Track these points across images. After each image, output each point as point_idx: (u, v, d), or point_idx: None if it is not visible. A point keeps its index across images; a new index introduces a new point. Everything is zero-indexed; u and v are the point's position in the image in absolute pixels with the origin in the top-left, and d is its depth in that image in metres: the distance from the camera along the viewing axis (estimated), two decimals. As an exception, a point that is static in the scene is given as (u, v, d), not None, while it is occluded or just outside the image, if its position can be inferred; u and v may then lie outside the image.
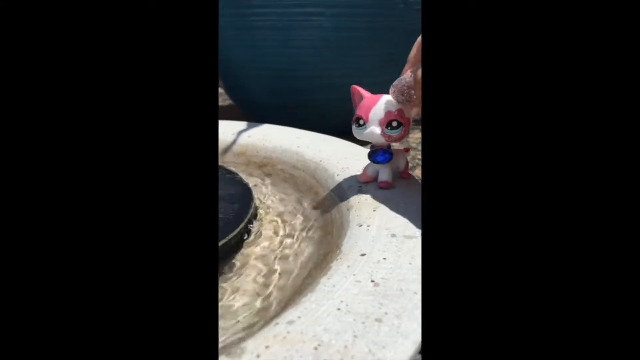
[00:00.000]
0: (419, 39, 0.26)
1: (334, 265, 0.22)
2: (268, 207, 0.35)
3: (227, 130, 0.48)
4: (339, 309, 0.18)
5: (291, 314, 0.18)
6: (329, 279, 0.20)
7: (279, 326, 0.17)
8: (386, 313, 0.17)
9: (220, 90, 1.11)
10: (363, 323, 0.17)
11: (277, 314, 0.20)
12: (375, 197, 0.28)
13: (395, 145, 0.31)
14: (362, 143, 0.39)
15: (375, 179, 0.31)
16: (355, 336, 0.16)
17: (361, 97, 0.29)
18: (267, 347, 0.16)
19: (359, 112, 0.28)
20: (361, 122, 0.28)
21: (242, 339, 0.17)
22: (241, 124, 0.50)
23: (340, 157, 0.38)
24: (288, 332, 0.17)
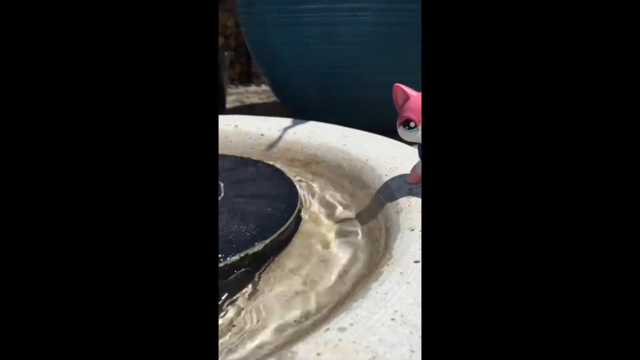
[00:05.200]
0: None
1: (385, 271, 0.21)
2: (312, 206, 0.35)
3: (273, 126, 0.48)
4: (393, 319, 0.17)
5: (342, 320, 0.17)
6: (380, 285, 0.19)
7: (330, 332, 0.16)
8: (444, 327, 0.16)
9: (266, 87, 1.13)
10: (420, 337, 0.16)
11: (326, 317, 0.20)
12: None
13: None
14: (411, 143, 0.38)
15: None
16: (412, 351, 0.15)
17: (406, 96, 0.27)
18: (318, 354, 0.15)
19: (407, 113, 0.27)
20: (412, 124, 0.26)
21: (291, 342, 0.17)
22: (287, 121, 0.50)
23: (388, 157, 0.36)
24: (340, 340, 0.16)
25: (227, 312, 0.22)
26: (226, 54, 0.72)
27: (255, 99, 1.00)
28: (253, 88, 1.17)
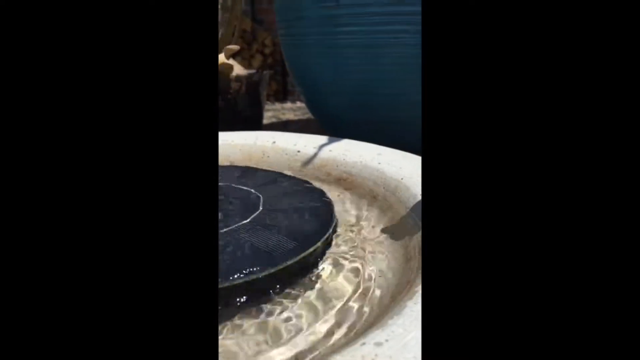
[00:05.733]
0: None
1: (420, 290, 0.21)
2: (347, 222, 0.35)
3: (309, 143, 0.50)
4: (429, 338, 0.17)
5: (378, 335, 0.18)
6: (415, 304, 0.20)
7: (366, 347, 0.17)
8: (481, 349, 0.16)
9: (301, 104, 1.16)
10: (456, 356, 0.16)
11: (361, 333, 0.20)
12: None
13: None
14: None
15: None
16: (448, 369, 0.15)
17: None
18: (355, 366, 0.16)
19: None
20: None
21: (327, 355, 0.18)
22: (322, 138, 0.51)
23: (423, 177, 0.37)
24: (376, 355, 0.16)
25: (263, 323, 0.23)
26: (265, 72, 0.75)
27: (290, 116, 1.03)
28: (288, 105, 1.20)
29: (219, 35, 0.72)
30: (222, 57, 0.69)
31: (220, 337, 0.22)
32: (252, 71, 0.75)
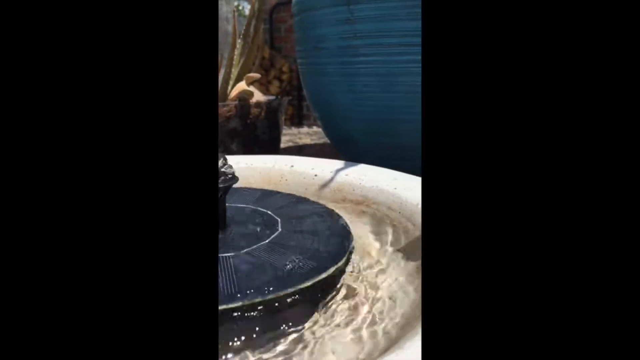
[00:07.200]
0: None
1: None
2: (363, 246, 0.36)
3: (326, 168, 0.51)
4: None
5: (397, 355, 0.18)
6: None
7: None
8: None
9: (317, 129, 1.18)
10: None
11: (380, 355, 0.20)
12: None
13: None
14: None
15: None
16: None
17: None
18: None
19: None
20: None
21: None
22: (339, 163, 0.52)
23: (439, 202, 0.37)
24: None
25: (282, 345, 0.24)
26: (284, 98, 0.78)
27: (306, 140, 1.05)
28: (305, 129, 1.23)
29: (239, 64, 0.76)
30: (243, 85, 0.72)
31: (238, 357, 0.23)
32: (272, 97, 0.77)
